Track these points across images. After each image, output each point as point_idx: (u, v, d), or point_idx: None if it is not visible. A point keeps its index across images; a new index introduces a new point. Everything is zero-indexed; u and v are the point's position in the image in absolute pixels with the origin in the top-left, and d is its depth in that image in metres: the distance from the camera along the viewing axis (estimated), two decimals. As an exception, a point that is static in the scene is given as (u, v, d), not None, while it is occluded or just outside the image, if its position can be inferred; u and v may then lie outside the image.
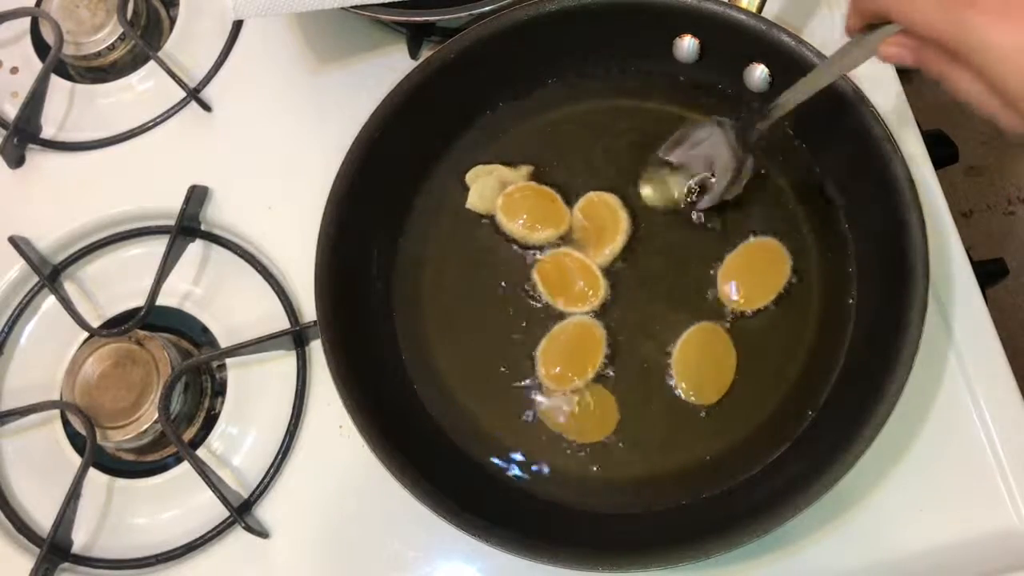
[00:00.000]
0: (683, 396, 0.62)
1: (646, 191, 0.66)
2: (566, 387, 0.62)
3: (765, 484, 0.59)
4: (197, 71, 0.78)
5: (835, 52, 0.56)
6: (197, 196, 0.73)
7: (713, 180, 0.64)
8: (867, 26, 0.51)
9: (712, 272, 0.64)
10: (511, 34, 0.65)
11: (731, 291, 0.64)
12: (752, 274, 0.64)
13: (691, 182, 0.65)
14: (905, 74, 0.71)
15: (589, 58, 0.69)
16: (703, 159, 0.64)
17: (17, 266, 0.73)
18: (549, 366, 0.63)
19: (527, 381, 0.63)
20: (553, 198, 0.67)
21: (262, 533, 0.64)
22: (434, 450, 0.62)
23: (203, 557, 0.65)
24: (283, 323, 0.69)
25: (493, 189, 0.67)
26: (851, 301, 0.63)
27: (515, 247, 0.67)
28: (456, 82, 0.66)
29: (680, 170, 0.65)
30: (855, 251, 0.64)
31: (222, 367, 0.70)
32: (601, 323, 0.64)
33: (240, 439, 0.68)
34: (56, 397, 0.69)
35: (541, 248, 0.66)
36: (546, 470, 0.62)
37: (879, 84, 0.69)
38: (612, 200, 0.66)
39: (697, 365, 0.63)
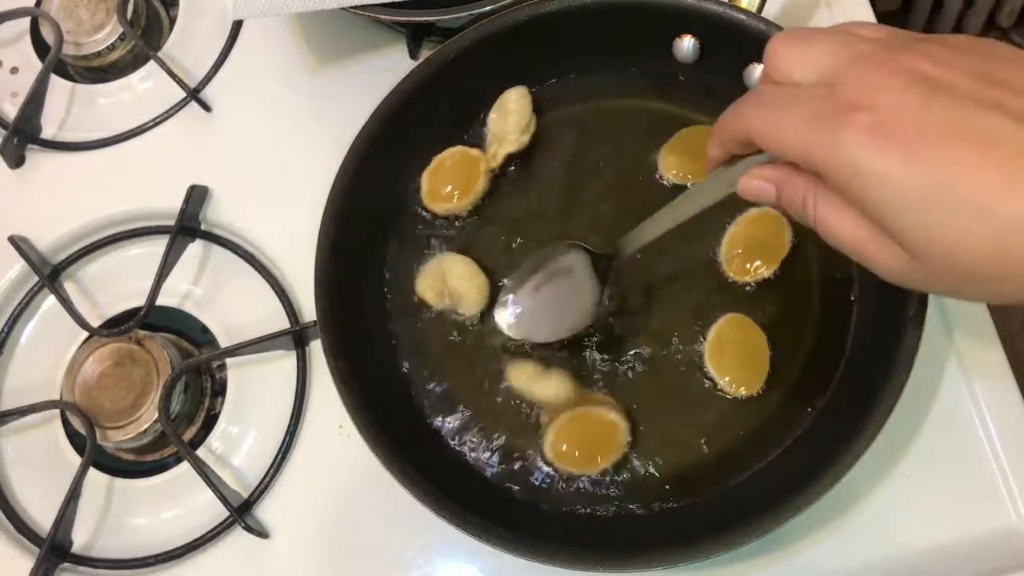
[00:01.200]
0: (726, 389, 0.61)
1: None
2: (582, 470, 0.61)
3: (765, 484, 0.59)
4: (197, 71, 0.78)
5: (688, 190, 0.51)
6: (197, 196, 0.73)
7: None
8: (730, 158, 0.47)
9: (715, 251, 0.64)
10: (511, 34, 0.65)
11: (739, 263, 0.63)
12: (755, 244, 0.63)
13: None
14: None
15: (589, 58, 0.69)
16: (559, 288, 0.61)
17: (17, 266, 0.73)
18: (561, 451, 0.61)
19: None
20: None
21: (262, 533, 0.64)
22: (434, 450, 0.62)
23: (203, 557, 0.65)
24: (283, 323, 0.69)
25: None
26: (852, 300, 0.63)
27: (516, 248, 0.67)
28: (456, 82, 0.66)
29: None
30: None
31: (222, 367, 0.70)
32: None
33: (240, 439, 0.68)
34: (56, 397, 0.69)
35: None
36: (546, 471, 0.62)
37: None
38: None
39: (732, 357, 0.61)
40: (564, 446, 0.61)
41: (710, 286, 0.64)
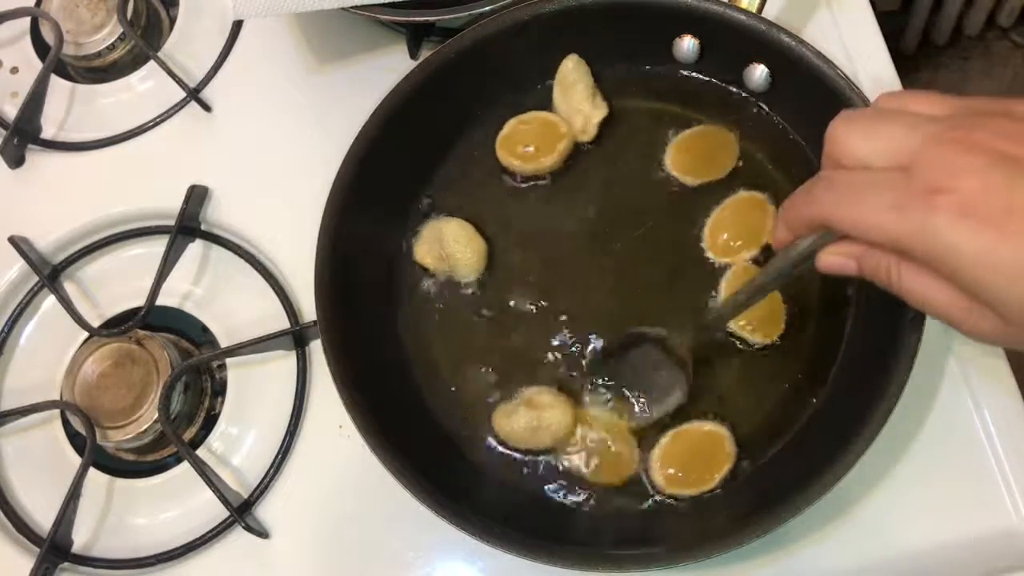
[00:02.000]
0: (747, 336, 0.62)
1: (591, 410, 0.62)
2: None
3: (763, 484, 0.59)
4: (197, 71, 0.78)
5: (764, 267, 0.52)
6: (197, 196, 0.73)
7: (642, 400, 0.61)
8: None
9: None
10: (511, 34, 0.65)
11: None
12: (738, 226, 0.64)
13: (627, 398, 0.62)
14: (905, 74, 0.71)
15: (589, 58, 0.68)
16: (639, 376, 0.61)
17: (17, 266, 0.73)
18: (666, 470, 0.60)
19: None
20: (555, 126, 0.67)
21: (262, 533, 0.64)
22: (434, 450, 0.62)
23: (203, 557, 0.65)
24: (283, 323, 0.69)
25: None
26: (851, 299, 0.63)
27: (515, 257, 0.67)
28: (456, 82, 0.66)
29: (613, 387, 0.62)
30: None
31: (222, 367, 0.70)
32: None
33: (240, 439, 0.68)
34: (56, 397, 0.69)
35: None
36: (547, 471, 0.62)
37: (879, 84, 0.69)
38: None
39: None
40: (670, 470, 0.60)
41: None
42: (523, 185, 0.68)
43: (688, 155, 0.67)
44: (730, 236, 0.64)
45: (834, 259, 0.45)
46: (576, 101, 0.67)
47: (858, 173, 0.42)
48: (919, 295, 0.42)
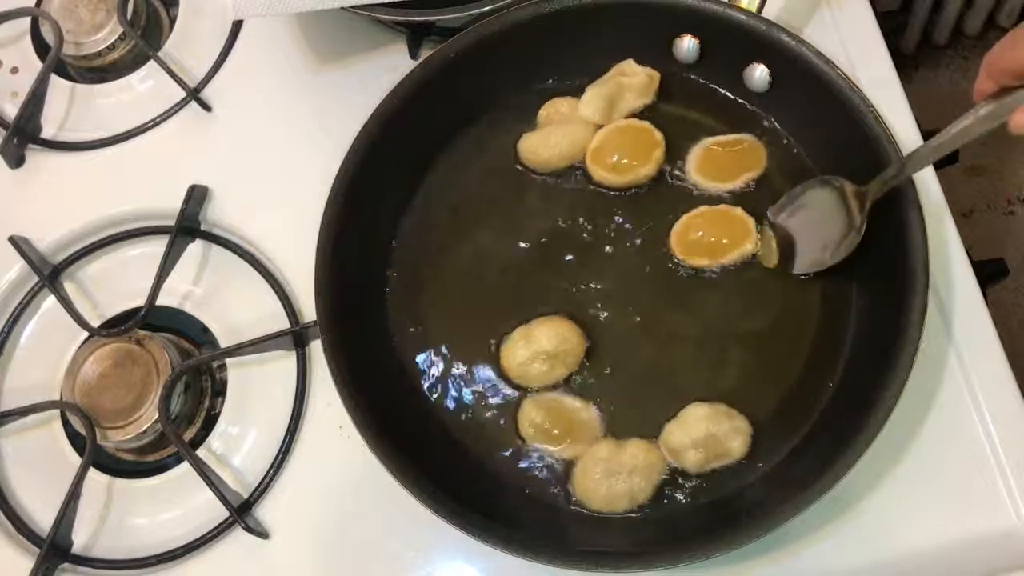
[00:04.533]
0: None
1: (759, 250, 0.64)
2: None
3: (765, 484, 0.59)
4: (197, 71, 0.78)
5: (958, 119, 0.50)
6: (197, 196, 0.73)
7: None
8: (1000, 91, 0.46)
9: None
10: (511, 34, 0.65)
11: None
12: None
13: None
14: (905, 73, 0.71)
15: (589, 58, 0.69)
16: (811, 223, 0.62)
17: (17, 266, 0.73)
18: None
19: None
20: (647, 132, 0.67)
21: (262, 533, 0.64)
22: (434, 450, 0.62)
23: (203, 557, 0.65)
24: (283, 323, 0.69)
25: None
26: (851, 301, 0.63)
27: (518, 250, 0.67)
28: (456, 82, 0.66)
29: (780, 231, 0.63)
30: (855, 251, 0.63)
31: (222, 367, 0.70)
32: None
33: (240, 439, 0.68)
34: (56, 397, 0.69)
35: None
36: (548, 471, 0.62)
37: (879, 84, 0.69)
38: None
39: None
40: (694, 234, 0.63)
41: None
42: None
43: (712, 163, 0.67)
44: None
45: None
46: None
47: None
48: None
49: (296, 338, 0.69)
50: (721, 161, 0.67)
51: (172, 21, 0.82)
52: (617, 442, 0.61)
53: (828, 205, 0.61)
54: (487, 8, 0.67)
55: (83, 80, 0.81)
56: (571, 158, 0.67)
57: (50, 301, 0.73)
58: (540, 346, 0.62)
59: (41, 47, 0.81)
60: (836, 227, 0.61)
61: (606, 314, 0.64)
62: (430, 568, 0.63)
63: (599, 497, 0.59)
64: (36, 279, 0.73)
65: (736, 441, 0.60)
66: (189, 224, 0.73)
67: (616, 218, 0.66)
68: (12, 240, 0.72)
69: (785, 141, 0.67)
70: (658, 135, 0.66)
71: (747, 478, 0.60)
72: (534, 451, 0.62)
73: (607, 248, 0.66)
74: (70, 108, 0.79)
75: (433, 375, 0.65)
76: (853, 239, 0.60)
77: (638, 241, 0.66)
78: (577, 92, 0.69)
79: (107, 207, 0.74)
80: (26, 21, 0.82)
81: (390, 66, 0.74)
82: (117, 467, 0.69)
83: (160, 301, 0.70)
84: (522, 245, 0.67)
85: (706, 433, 0.59)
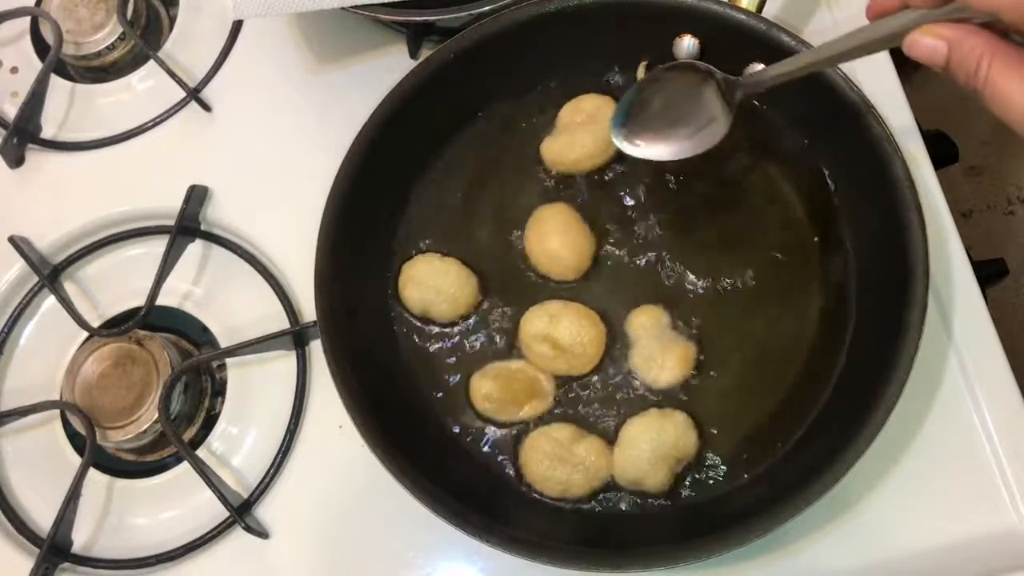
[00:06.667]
0: None
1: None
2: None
3: (765, 484, 0.59)
4: (197, 71, 0.78)
5: (848, 34, 0.48)
6: (197, 196, 0.73)
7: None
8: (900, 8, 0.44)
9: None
10: (511, 34, 0.65)
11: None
12: None
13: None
14: (905, 73, 0.71)
15: (589, 58, 0.69)
16: (687, 107, 0.59)
17: (17, 266, 0.73)
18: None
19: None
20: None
21: (262, 533, 0.64)
22: (434, 450, 0.62)
23: (203, 557, 0.65)
24: (283, 323, 0.69)
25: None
26: (851, 301, 0.63)
27: (517, 249, 0.67)
28: (456, 82, 0.66)
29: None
30: (855, 251, 0.64)
31: (222, 367, 0.70)
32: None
33: (240, 439, 0.68)
34: (56, 397, 0.69)
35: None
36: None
37: (879, 84, 0.69)
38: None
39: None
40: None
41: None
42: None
43: None
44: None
45: (927, 41, 0.42)
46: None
47: None
48: (1002, 94, 0.40)
49: (296, 338, 0.69)
50: None
51: (172, 21, 0.82)
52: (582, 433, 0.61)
53: (695, 90, 0.58)
54: (487, 8, 0.67)
55: (83, 80, 0.81)
56: (603, 155, 0.66)
57: (50, 301, 0.73)
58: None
59: (41, 47, 0.81)
60: (702, 113, 0.58)
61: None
62: (430, 568, 0.63)
63: (538, 476, 0.60)
64: (36, 279, 0.73)
65: (688, 437, 0.60)
66: (189, 224, 0.73)
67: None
68: (12, 240, 0.72)
69: (792, 132, 0.67)
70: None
71: (746, 480, 0.60)
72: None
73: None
74: (70, 108, 0.79)
75: (433, 375, 0.65)
76: (716, 128, 0.57)
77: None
78: (577, 92, 0.69)
79: (107, 207, 0.74)
80: (26, 21, 0.82)
81: (390, 66, 0.74)
82: (117, 467, 0.69)
83: (160, 301, 0.70)
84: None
85: (652, 449, 0.59)
